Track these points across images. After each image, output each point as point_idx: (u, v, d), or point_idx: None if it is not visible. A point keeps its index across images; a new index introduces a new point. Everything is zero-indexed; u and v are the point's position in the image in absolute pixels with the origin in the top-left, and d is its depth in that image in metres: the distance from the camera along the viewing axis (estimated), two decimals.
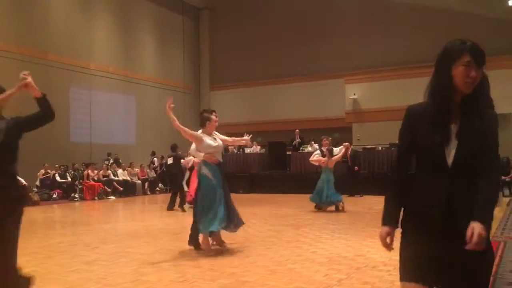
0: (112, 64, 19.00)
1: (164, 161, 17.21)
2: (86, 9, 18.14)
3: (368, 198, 13.54)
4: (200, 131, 6.03)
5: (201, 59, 23.97)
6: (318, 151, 11.33)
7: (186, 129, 5.87)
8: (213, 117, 6.05)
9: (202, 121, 6.04)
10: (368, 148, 16.40)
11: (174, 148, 12.43)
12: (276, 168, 17.14)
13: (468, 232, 1.84)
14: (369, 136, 18.17)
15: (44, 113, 3.14)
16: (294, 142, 17.86)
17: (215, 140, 5.98)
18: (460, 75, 1.91)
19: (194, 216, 6.03)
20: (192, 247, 6.17)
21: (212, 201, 5.68)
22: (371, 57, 18.94)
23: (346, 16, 19.82)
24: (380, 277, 4.53)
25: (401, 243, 2.08)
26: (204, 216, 5.71)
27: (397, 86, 17.66)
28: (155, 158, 18.95)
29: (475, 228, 1.84)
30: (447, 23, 16.25)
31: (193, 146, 6.17)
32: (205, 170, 5.77)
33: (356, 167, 14.65)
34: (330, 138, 11.62)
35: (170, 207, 11.47)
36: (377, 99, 18.57)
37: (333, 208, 10.80)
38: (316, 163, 11.08)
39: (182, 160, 12.09)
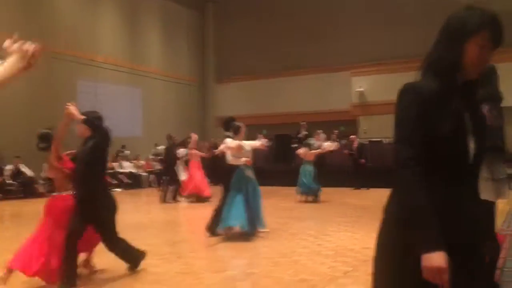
0: (118, 57, 19.00)
1: None
2: (92, 1, 18.13)
3: (374, 191, 13.51)
4: (229, 140, 6.55)
5: (206, 51, 23.90)
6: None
7: (230, 145, 6.43)
8: (243, 125, 6.73)
9: (236, 129, 6.59)
10: (374, 141, 16.35)
11: (168, 138, 12.42)
12: (282, 161, 17.13)
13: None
14: (376, 129, 18.10)
15: (96, 130, 4.16)
16: (300, 135, 17.82)
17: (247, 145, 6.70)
18: (473, 55, 1.55)
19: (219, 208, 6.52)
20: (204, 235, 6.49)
21: (256, 199, 6.51)
22: (378, 49, 18.81)
23: (352, 8, 19.66)
24: None
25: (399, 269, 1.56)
26: (243, 213, 6.24)
27: (403, 79, 17.13)
28: (158, 148, 18.97)
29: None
30: None
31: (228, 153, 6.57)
32: (248, 173, 6.49)
33: (362, 160, 14.62)
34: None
35: (171, 198, 11.57)
36: (384, 92, 18.41)
37: (339, 199, 10.82)
38: (300, 155, 11.62)
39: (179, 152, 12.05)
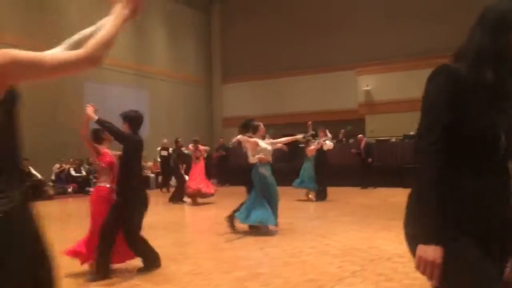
0: (124, 59, 19.07)
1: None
2: (98, 3, 18.21)
3: (381, 190, 13.48)
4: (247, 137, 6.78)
5: (213, 52, 23.94)
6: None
7: (248, 140, 6.67)
8: (261, 123, 6.95)
9: (255, 128, 6.83)
10: (381, 140, 16.29)
11: (175, 143, 12.73)
12: (289, 161, 17.10)
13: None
14: (382, 128, 18.04)
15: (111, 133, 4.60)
16: (308, 134, 17.77)
17: (265, 143, 6.87)
18: None
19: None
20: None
21: (270, 197, 6.62)
22: (384, 48, 18.73)
23: (358, 6, 19.61)
24: (395, 268, 4.52)
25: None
26: (264, 209, 6.43)
27: (410, 77, 17.40)
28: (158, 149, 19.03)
29: None
30: (462, 12, 15.94)
31: (248, 152, 6.84)
32: (262, 170, 6.61)
33: (369, 159, 14.57)
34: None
35: (177, 199, 11.60)
36: (390, 91, 18.40)
37: (346, 199, 10.80)
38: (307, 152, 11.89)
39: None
